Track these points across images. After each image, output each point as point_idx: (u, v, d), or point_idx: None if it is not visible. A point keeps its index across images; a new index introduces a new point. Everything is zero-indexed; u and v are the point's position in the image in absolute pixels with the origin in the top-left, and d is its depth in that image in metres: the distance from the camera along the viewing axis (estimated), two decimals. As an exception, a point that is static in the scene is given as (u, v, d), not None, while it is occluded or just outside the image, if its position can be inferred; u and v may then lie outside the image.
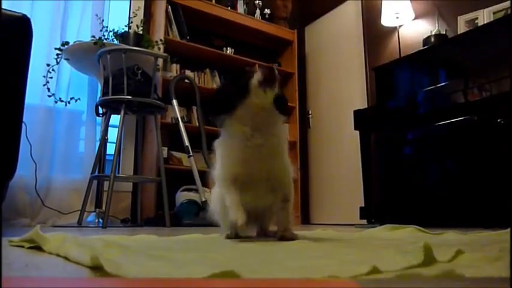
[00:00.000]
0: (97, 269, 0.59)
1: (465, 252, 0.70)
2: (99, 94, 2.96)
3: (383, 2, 3.50)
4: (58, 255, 0.77)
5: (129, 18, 3.34)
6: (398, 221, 1.95)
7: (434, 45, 3.00)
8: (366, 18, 3.90)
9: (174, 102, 2.98)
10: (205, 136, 2.92)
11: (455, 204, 2.49)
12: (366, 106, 3.58)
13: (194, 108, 3.45)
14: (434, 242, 0.99)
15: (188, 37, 3.47)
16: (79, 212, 2.58)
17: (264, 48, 4.29)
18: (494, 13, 2.79)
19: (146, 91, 2.66)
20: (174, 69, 3.46)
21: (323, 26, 4.43)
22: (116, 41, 2.89)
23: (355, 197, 3.36)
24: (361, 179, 3.13)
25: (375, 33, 3.79)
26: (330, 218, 3.97)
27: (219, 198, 1.30)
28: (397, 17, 3.41)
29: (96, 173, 2.70)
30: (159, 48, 3.09)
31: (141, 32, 3.06)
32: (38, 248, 0.89)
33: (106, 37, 2.87)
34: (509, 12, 2.68)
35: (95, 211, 2.76)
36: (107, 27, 2.95)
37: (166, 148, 3.21)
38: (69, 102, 2.80)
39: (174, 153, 3.31)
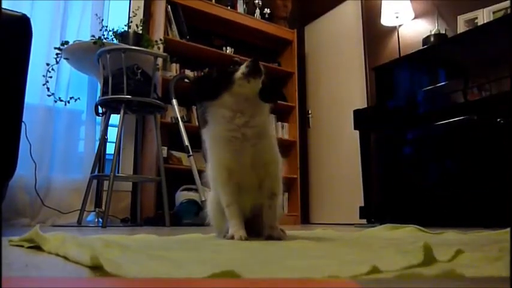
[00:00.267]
0: (97, 268, 0.59)
1: (465, 252, 0.70)
2: (98, 94, 2.96)
3: (383, 1, 3.50)
4: (58, 255, 0.77)
5: (129, 17, 3.34)
6: (398, 221, 1.95)
7: (434, 45, 3.00)
8: (365, 18, 3.90)
9: (174, 101, 2.98)
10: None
11: (455, 204, 2.49)
12: (366, 106, 3.58)
13: (194, 107, 3.45)
14: (434, 241, 0.99)
15: (188, 37, 3.47)
16: (79, 211, 2.58)
17: (263, 47, 4.29)
18: (494, 13, 2.80)
19: (146, 91, 2.66)
20: (174, 68, 3.46)
21: (323, 26, 4.43)
22: (115, 41, 2.89)
23: (355, 197, 3.36)
24: (361, 179, 3.13)
25: (374, 33, 3.79)
26: (329, 218, 3.97)
27: (214, 203, 1.34)
28: (397, 17, 3.41)
29: (96, 173, 2.70)
30: (158, 48, 3.09)
31: (140, 32, 3.06)
32: (38, 248, 0.89)
33: (106, 37, 2.87)
34: (509, 11, 2.68)
35: (94, 211, 2.76)
36: (106, 26, 2.94)
37: (166, 148, 3.21)
38: (68, 102, 2.80)
39: (174, 152, 3.31)
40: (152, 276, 0.55)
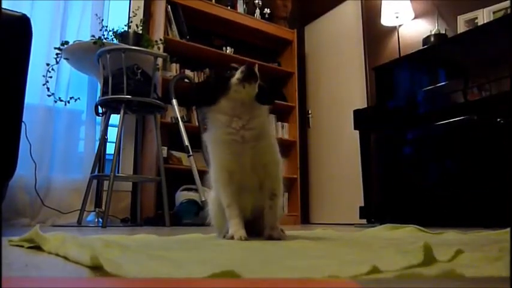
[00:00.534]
0: (97, 268, 0.59)
1: (465, 252, 0.70)
2: (98, 94, 2.96)
3: (383, 1, 3.50)
4: (58, 255, 0.77)
5: (129, 17, 3.34)
6: (398, 221, 1.95)
7: (434, 45, 3.00)
8: (365, 18, 3.90)
9: (174, 101, 2.98)
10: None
11: (455, 204, 2.49)
12: (366, 106, 3.58)
13: (194, 107, 3.45)
14: (434, 241, 0.99)
15: (188, 37, 3.47)
16: (79, 211, 2.58)
17: (263, 47, 4.29)
18: (494, 13, 2.80)
19: (146, 91, 2.66)
20: (174, 68, 3.46)
21: (323, 26, 4.43)
22: (115, 41, 2.89)
23: (355, 197, 3.36)
24: (361, 179, 3.13)
25: (374, 33, 3.79)
26: (329, 218, 3.97)
27: (214, 203, 1.36)
28: (397, 17, 3.41)
29: (96, 173, 2.70)
30: (158, 48, 3.09)
31: (140, 32, 3.06)
32: (38, 248, 0.89)
33: (106, 37, 2.87)
34: (509, 12, 2.68)
35: (94, 211, 2.76)
36: (106, 26, 2.94)
37: (166, 148, 3.21)
38: (68, 102, 2.80)
39: (174, 152, 3.31)
40: (152, 276, 0.55)
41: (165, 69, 3.36)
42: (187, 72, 3.53)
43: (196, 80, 3.48)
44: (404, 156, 2.96)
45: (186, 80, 3.27)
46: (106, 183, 2.70)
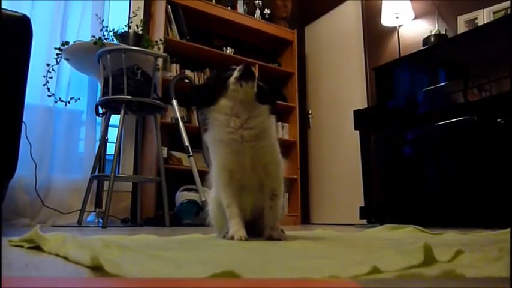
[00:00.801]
0: (97, 269, 0.59)
1: (465, 252, 0.70)
2: (99, 94, 2.96)
3: (383, 2, 3.50)
4: (58, 255, 0.77)
5: (129, 18, 3.34)
6: (398, 221, 1.95)
7: (434, 45, 3.00)
8: (365, 18, 3.90)
9: (174, 102, 2.98)
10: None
11: (455, 204, 2.49)
12: (366, 106, 3.58)
13: (194, 108, 3.45)
14: (434, 242, 0.99)
15: (188, 37, 3.47)
16: (79, 211, 2.58)
17: (264, 48, 4.29)
18: (494, 13, 2.80)
19: (146, 91, 2.66)
20: (174, 69, 3.46)
21: (323, 26, 4.43)
22: (115, 41, 2.89)
23: (355, 197, 3.36)
24: (361, 179, 3.13)
25: (374, 33, 3.79)
26: (330, 218, 3.97)
27: (215, 203, 1.36)
28: (397, 17, 3.41)
29: (96, 173, 2.70)
30: (158, 48, 3.09)
31: (141, 32, 3.06)
32: (38, 248, 0.89)
33: (106, 37, 2.87)
34: (509, 12, 2.68)
35: (94, 211, 2.76)
36: (106, 27, 2.95)
37: (166, 148, 3.21)
38: (69, 102, 2.80)
39: (174, 153, 3.31)
40: (152, 276, 0.55)
41: (165, 70, 3.36)
42: (188, 72, 3.53)
43: (196, 81, 3.49)
44: (404, 157, 2.96)
45: (186, 80, 3.27)
46: (106, 183, 2.70)
